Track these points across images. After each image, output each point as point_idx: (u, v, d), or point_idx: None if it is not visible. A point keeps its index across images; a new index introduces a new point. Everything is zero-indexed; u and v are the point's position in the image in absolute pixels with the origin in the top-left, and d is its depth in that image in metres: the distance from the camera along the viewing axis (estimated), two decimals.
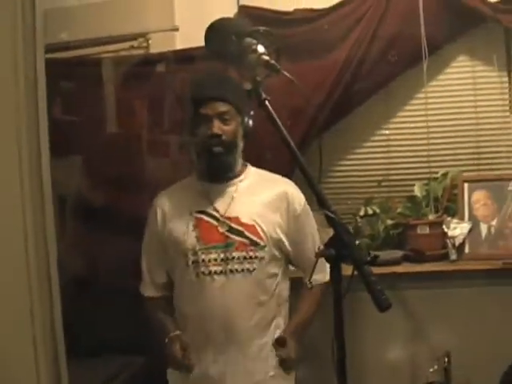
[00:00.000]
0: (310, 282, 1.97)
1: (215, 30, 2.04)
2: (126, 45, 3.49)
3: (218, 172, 2.37)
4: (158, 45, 3.47)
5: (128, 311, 2.77)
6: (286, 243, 2.40)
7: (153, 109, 3.30)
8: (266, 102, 1.87)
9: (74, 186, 3.11)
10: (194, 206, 2.37)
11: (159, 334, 2.39)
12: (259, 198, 2.38)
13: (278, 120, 1.85)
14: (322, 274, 2.20)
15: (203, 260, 2.31)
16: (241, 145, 2.38)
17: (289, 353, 2.35)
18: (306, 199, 2.42)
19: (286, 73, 1.90)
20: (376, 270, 3.09)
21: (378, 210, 3.35)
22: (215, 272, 2.30)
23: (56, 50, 3.33)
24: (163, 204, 2.43)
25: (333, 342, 1.73)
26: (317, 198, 1.77)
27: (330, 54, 3.20)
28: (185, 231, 2.34)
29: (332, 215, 1.72)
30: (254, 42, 1.91)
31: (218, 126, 2.30)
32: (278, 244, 2.38)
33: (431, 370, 2.46)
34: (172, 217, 2.39)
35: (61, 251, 3.32)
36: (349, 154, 3.50)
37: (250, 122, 2.37)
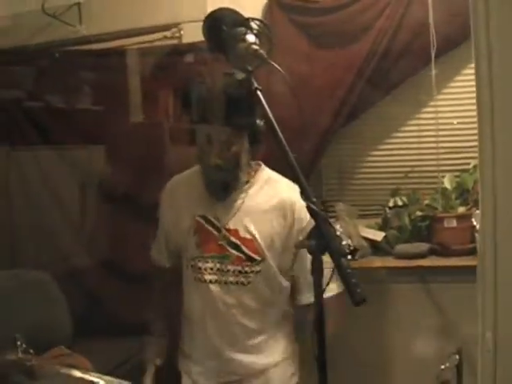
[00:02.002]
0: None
1: (211, 20, 2.03)
2: (160, 35, 3.55)
3: (219, 193, 2.29)
4: (190, 35, 3.51)
5: (147, 294, 2.82)
6: (285, 255, 2.30)
7: None
8: (258, 92, 1.85)
9: (99, 174, 3.19)
10: (197, 209, 2.32)
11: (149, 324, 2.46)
12: (263, 208, 2.28)
13: (268, 110, 1.84)
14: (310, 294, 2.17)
15: (199, 268, 2.29)
16: (246, 158, 2.26)
17: None
18: None
19: (275, 64, 1.88)
20: (402, 262, 3.14)
21: (406, 201, 3.30)
22: (210, 281, 2.28)
23: (91, 41, 3.43)
24: (170, 196, 2.42)
25: (312, 336, 1.71)
26: (300, 189, 1.75)
27: (356, 44, 3.17)
28: (185, 235, 2.32)
29: (313, 206, 1.70)
30: (244, 31, 1.89)
31: (218, 155, 2.18)
32: (277, 258, 2.29)
33: (442, 367, 2.40)
34: (176, 215, 2.37)
35: (85, 235, 3.46)
36: (377, 143, 3.46)
37: (261, 124, 2.17)
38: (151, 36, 3.51)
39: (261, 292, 2.29)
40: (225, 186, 2.27)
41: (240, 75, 1.90)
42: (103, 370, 2.38)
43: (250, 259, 2.26)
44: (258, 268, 2.27)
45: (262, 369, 2.35)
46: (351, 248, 3.00)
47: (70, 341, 2.88)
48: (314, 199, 1.73)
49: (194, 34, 3.54)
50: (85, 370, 2.37)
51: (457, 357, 2.46)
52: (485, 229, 1.51)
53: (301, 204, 2.24)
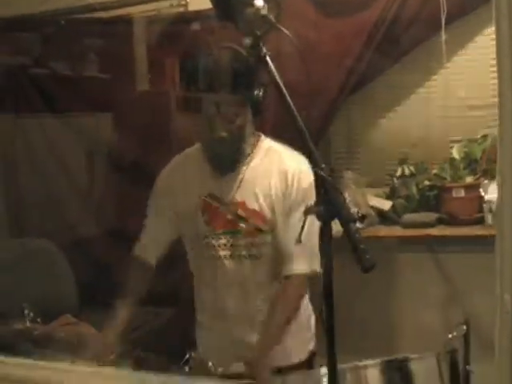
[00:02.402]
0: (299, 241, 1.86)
1: None
2: (166, 3, 3.51)
3: (223, 167, 2.26)
4: (196, 2, 3.48)
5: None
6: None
7: None
8: (267, 58, 1.83)
9: (106, 142, 3.17)
10: (201, 188, 2.28)
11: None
12: (267, 178, 2.25)
13: (277, 76, 1.81)
14: (304, 263, 2.15)
15: (213, 245, 2.27)
16: (250, 130, 2.24)
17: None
18: None
19: (283, 28, 1.85)
20: (409, 231, 3.13)
21: (414, 171, 3.28)
22: (225, 256, 2.27)
23: (97, 9, 3.40)
24: (169, 180, 2.37)
25: (322, 305, 1.70)
26: (308, 155, 1.73)
27: (365, 11, 3.13)
28: (193, 214, 2.29)
29: (321, 173, 1.68)
30: None
31: (222, 130, 2.15)
32: (285, 226, 2.25)
33: (450, 336, 2.39)
34: (179, 196, 2.32)
35: (94, 202, 3.46)
36: (386, 112, 3.44)
37: (262, 94, 2.16)
38: (157, 4, 3.48)
39: (273, 264, 2.27)
40: (230, 159, 2.25)
41: (248, 41, 1.88)
42: None
43: (260, 230, 2.25)
44: (268, 239, 2.25)
45: None
46: (359, 214, 2.99)
47: (76, 309, 2.91)
48: (323, 165, 1.72)
49: (199, 1, 3.53)
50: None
51: (464, 326, 2.45)
52: (503, 193, 1.49)
53: (302, 173, 2.24)
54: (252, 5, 1.85)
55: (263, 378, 2.10)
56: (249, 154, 2.27)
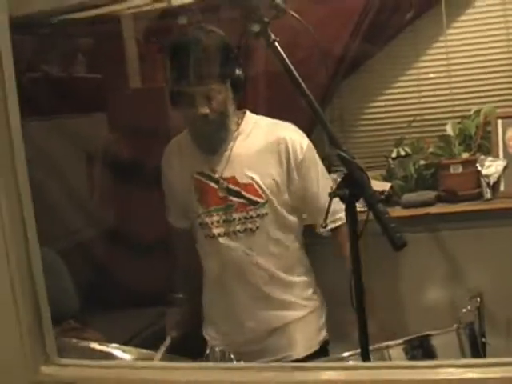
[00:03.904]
0: (325, 227, 1.89)
1: None
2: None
3: (209, 146, 2.30)
4: None
5: (159, 263, 2.81)
6: (290, 193, 2.31)
7: None
8: (276, 44, 1.83)
9: (101, 142, 3.14)
10: (193, 167, 2.32)
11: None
12: (257, 150, 2.28)
13: (287, 61, 1.81)
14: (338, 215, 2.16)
15: (206, 223, 2.30)
16: (232, 107, 2.26)
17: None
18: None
19: (293, 13, 1.86)
20: (410, 211, 3.15)
21: (409, 151, 3.30)
22: (219, 234, 2.29)
23: (79, 9, 3.35)
24: (167, 161, 2.42)
25: (351, 283, 1.71)
26: (328, 138, 1.74)
27: None
28: (187, 193, 2.33)
29: (344, 154, 1.69)
30: None
31: (203, 106, 2.18)
32: (282, 197, 2.29)
33: (464, 310, 2.41)
34: (176, 176, 2.38)
35: (91, 204, 3.43)
36: (378, 95, 3.44)
37: (241, 73, 2.23)
38: (139, 0, 3.45)
39: (271, 236, 2.29)
40: (215, 136, 2.28)
41: (256, 27, 1.88)
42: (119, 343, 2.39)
43: (253, 203, 2.26)
44: (263, 211, 2.27)
45: (285, 323, 2.34)
46: (386, 194, 3.00)
47: (77, 314, 2.87)
48: (345, 147, 1.73)
49: None
50: (102, 342, 2.38)
51: (478, 299, 2.48)
52: None
53: (292, 138, 2.30)
54: None
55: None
56: (235, 131, 2.30)
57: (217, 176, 2.29)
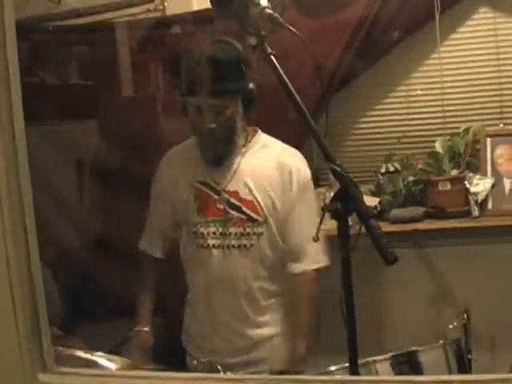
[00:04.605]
0: (316, 238, 1.87)
1: None
2: (143, 8, 3.49)
3: (215, 158, 2.29)
4: (174, 7, 3.46)
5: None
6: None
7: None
8: (272, 57, 1.84)
9: (91, 149, 3.14)
10: (196, 176, 2.32)
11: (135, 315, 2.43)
12: (262, 171, 2.29)
13: (283, 74, 1.82)
14: (311, 260, 2.24)
15: (202, 233, 2.29)
16: (241, 122, 2.26)
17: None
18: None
19: (290, 27, 1.87)
20: (398, 227, 3.16)
21: (399, 167, 3.31)
22: (213, 246, 2.28)
23: (72, 16, 3.35)
24: (168, 167, 2.41)
25: (342, 299, 1.71)
26: (322, 152, 1.75)
27: (347, 9, 3.15)
28: (186, 202, 2.32)
29: (337, 168, 1.70)
30: None
31: (212, 120, 2.18)
32: (278, 221, 2.29)
33: (450, 326, 2.43)
34: (175, 184, 2.36)
35: (78, 213, 3.41)
36: (368, 110, 3.46)
37: (253, 88, 2.24)
38: (134, 9, 3.45)
39: (263, 256, 2.29)
40: (221, 150, 2.27)
41: (253, 40, 1.88)
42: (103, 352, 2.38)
43: (252, 220, 2.26)
44: (260, 230, 2.27)
45: (265, 338, 2.34)
46: (378, 209, 3.01)
47: (61, 322, 2.85)
48: (338, 162, 1.73)
49: (176, 6, 3.52)
50: (87, 350, 2.37)
51: (465, 315, 2.50)
52: None
53: (299, 168, 2.31)
54: (257, 4, 1.86)
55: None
56: (243, 146, 2.30)
57: (219, 188, 2.29)
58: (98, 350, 2.33)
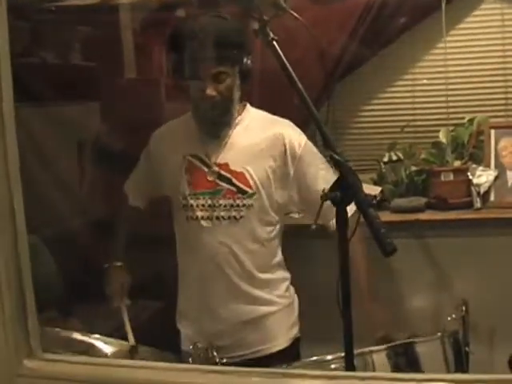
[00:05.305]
0: (316, 225, 1.87)
1: None
2: None
3: (212, 129, 2.31)
4: None
5: (144, 256, 2.79)
6: (282, 191, 2.30)
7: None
8: (274, 42, 1.82)
9: (93, 131, 3.12)
10: (188, 149, 2.33)
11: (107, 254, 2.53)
12: (253, 142, 2.29)
13: (285, 60, 1.80)
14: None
15: (191, 205, 2.29)
16: (237, 94, 2.27)
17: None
18: None
19: (293, 12, 1.84)
20: (399, 216, 3.15)
21: (401, 156, 3.29)
22: (202, 217, 2.28)
23: None
24: (160, 140, 2.43)
25: (338, 286, 1.70)
26: (322, 139, 1.73)
27: None
28: (177, 174, 2.32)
29: (337, 157, 1.68)
30: None
31: (211, 88, 2.19)
32: (271, 192, 2.28)
33: (449, 318, 2.41)
34: (167, 156, 2.37)
35: (79, 193, 3.40)
36: (372, 98, 3.44)
37: (250, 63, 2.25)
38: None
39: (253, 228, 2.28)
40: (217, 120, 2.28)
41: (255, 25, 1.86)
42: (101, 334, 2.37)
43: (242, 192, 2.26)
44: (250, 201, 2.26)
45: (256, 317, 2.32)
46: (377, 198, 2.99)
47: (59, 303, 2.85)
48: (338, 150, 1.71)
49: None
50: (85, 333, 2.36)
51: (463, 308, 2.48)
52: None
53: (291, 137, 2.29)
54: None
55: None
56: (235, 118, 2.31)
57: (210, 161, 2.30)
58: (96, 332, 2.34)
